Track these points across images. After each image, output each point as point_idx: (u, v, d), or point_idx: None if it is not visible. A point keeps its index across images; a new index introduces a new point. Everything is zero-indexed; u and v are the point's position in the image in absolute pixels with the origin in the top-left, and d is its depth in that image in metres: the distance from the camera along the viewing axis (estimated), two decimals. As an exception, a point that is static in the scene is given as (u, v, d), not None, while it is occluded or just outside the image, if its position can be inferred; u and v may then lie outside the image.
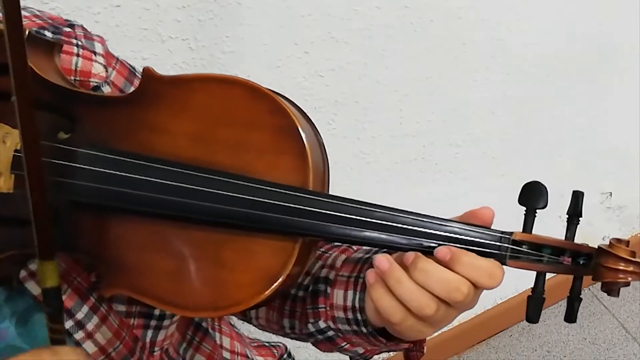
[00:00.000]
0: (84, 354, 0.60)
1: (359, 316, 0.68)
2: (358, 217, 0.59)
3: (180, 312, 0.64)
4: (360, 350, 0.73)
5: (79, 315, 0.67)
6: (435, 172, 1.65)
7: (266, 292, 0.59)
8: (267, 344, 0.96)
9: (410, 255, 0.58)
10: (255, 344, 0.95)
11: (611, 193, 2.09)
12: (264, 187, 0.59)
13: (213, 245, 0.60)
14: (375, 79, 1.41)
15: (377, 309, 0.61)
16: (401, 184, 1.61)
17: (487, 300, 2.01)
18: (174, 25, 1.14)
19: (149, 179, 0.60)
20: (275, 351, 0.95)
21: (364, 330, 0.68)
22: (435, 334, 2.28)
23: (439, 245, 0.59)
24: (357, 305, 0.68)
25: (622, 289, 0.60)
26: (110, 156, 0.60)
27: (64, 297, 0.65)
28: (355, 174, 1.51)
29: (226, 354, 0.84)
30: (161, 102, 0.62)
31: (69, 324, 0.66)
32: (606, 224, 2.13)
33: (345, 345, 0.72)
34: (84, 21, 0.76)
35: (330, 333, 0.72)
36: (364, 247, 0.75)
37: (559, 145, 1.84)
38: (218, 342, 0.83)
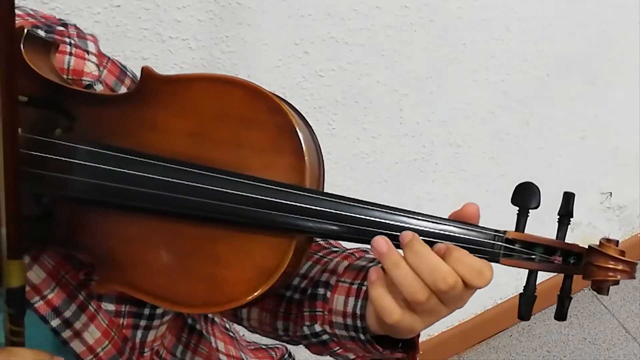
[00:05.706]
0: (47, 355, 0.59)
1: (358, 323, 0.68)
2: (356, 216, 0.60)
3: (176, 308, 0.64)
4: (352, 356, 0.73)
5: (67, 314, 0.66)
6: (435, 172, 1.65)
7: (261, 289, 0.59)
8: (264, 347, 0.96)
9: (408, 235, 0.59)
10: (252, 347, 0.94)
11: (611, 193, 2.09)
12: (263, 185, 0.59)
13: (209, 242, 0.60)
14: (375, 79, 1.41)
15: (375, 308, 0.61)
16: (401, 184, 1.61)
17: (487, 300, 2.01)
18: (174, 25, 1.14)
19: (146, 175, 0.60)
20: (273, 353, 0.95)
21: (362, 337, 0.68)
22: (435, 333, 2.26)
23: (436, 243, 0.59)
24: (358, 312, 0.68)
25: (622, 290, 0.60)
26: (106, 152, 0.61)
27: (52, 295, 0.65)
28: (355, 174, 1.51)
29: (223, 357, 0.84)
30: (160, 100, 0.62)
31: (56, 322, 0.66)
32: (606, 224, 2.13)
33: (338, 349, 0.72)
34: (84, 21, 0.76)
35: (325, 337, 0.72)
36: (367, 255, 0.75)
37: (559, 145, 1.84)
38: (213, 345, 0.83)
